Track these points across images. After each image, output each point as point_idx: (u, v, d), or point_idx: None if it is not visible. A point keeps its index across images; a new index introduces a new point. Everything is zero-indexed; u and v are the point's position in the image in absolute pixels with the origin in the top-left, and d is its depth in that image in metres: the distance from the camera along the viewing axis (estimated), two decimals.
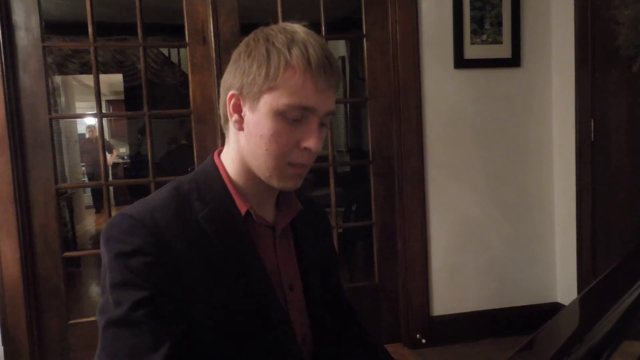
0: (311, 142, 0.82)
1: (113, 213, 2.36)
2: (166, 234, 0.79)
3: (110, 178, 7.16)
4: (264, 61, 0.80)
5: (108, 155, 6.97)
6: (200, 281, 0.80)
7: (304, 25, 0.85)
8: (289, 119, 0.81)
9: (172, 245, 0.79)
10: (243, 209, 0.86)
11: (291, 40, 0.80)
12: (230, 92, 0.85)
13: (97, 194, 7.16)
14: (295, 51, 0.79)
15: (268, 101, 0.81)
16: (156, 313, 0.76)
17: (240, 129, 0.86)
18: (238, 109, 0.85)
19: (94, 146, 6.66)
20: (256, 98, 0.82)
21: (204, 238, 0.82)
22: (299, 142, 0.82)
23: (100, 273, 0.82)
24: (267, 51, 0.81)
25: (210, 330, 0.80)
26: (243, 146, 0.86)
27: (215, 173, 0.89)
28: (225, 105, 0.86)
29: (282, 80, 0.79)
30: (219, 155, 0.92)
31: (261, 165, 0.84)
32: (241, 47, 0.85)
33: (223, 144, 0.92)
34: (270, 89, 0.80)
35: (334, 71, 0.82)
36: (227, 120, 0.88)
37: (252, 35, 0.85)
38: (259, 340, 0.84)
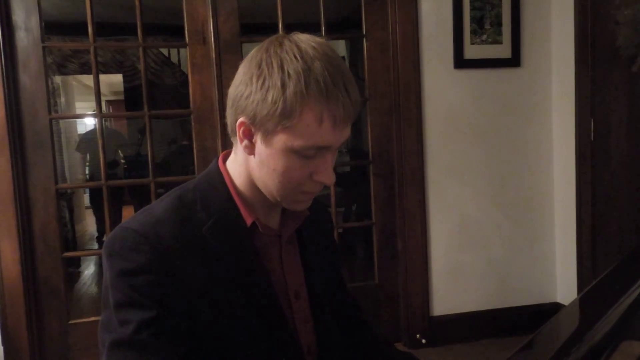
0: (325, 177, 0.81)
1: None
2: (170, 249, 0.78)
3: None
4: (279, 96, 0.74)
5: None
6: (205, 294, 0.79)
7: (317, 36, 0.81)
8: (303, 155, 0.79)
9: (176, 260, 0.78)
10: (249, 220, 0.85)
11: (308, 71, 0.74)
12: (241, 119, 0.80)
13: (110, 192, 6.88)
14: (313, 86, 0.74)
15: (283, 140, 0.77)
16: (162, 332, 0.75)
17: (251, 154, 0.82)
18: (249, 136, 0.81)
19: (110, 140, 6.27)
20: (270, 133, 0.78)
21: (208, 250, 0.81)
22: (312, 175, 0.81)
23: (102, 281, 0.81)
24: (283, 84, 0.74)
25: (216, 342, 0.79)
26: (253, 169, 0.84)
27: (220, 182, 0.87)
28: (233, 123, 0.82)
29: (299, 121, 0.75)
30: (224, 161, 0.90)
31: (272, 192, 0.83)
32: (253, 65, 0.78)
33: (223, 145, 0.92)
34: (286, 128, 0.76)
35: (352, 102, 0.77)
36: (234, 133, 0.84)
37: (264, 54, 0.78)
38: (264, 351, 0.83)
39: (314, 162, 0.80)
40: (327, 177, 0.81)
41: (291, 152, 0.78)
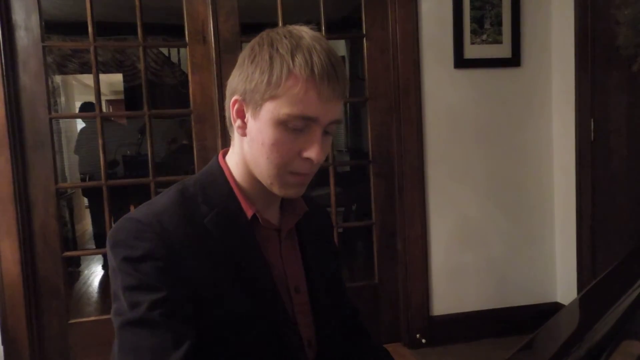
0: (313, 153, 0.81)
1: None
2: (173, 238, 0.79)
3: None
4: (266, 68, 0.79)
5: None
6: (207, 285, 0.80)
7: (312, 29, 0.83)
8: (291, 128, 0.79)
9: (179, 249, 0.79)
10: (249, 213, 0.86)
11: (296, 46, 0.78)
12: (234, 97, 0.84)
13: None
14: (299, 58, 0.77)
15: (270, 109, 0.79)
16: (173, 313, 0.76)
17: (244, 134, 0.85)
18: (241, 115, 0.84)
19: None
20: (258, 105, 0.80)
21: (210, 242, 0.82)
22: (300, 152, 0.81)
23: (109, 276, 0.81)
24: (271, 57, 0.79)
25: (217, 334, 0.79)
26: (246, 151, 0.85)
27: (221, 175, 0.88)
28: (229, 108, 0.85)
29: (284, 89, 0.78)
30: (224, 156, 0.91)
31: (263, 172, 0.84)
32: (247, 50, 0.84)
33: (223, 144, 0.93)
34: (272, 97, 0.79)
35: (340, 79, 0.80)
36: (232, 124, 0.87)
37: (258, 38, 0.83)
38: (265, 344, 0.83)
39: (302, 138, 0.81)
40: (315, 152, 0.81)
41: (278, 123, 0.79)
